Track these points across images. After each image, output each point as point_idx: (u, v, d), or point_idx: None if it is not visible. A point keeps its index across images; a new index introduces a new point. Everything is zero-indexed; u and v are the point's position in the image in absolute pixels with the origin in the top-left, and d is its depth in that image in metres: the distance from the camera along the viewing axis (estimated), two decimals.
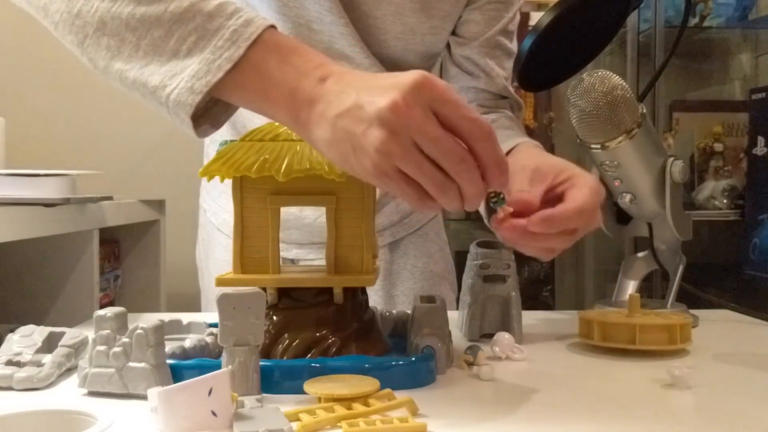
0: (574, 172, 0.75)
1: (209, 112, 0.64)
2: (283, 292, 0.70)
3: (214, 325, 0.80)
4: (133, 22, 0.60)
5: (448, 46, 1.02)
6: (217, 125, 0.65)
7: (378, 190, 0.72)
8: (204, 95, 0.59)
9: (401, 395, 0.58)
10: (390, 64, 0.97)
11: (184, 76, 0.59)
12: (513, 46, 1.03)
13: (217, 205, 1.11)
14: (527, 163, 0.78)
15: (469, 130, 0.54)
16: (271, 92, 0.59)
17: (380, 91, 0.54)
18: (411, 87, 0.53)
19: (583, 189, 0.72)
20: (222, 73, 0.58)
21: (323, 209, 0.69)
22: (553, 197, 0.73)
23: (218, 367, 0.61)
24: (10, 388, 0.65)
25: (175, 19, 0.60)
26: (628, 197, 0.91)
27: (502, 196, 0.62)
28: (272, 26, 0.61)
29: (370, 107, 0.54)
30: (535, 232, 0.68)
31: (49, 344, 0.71)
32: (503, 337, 0.76)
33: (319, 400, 0.58)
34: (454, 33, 1.00)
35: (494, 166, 0.55)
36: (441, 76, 1.06)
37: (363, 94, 0.55)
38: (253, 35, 0.59)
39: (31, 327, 0.74)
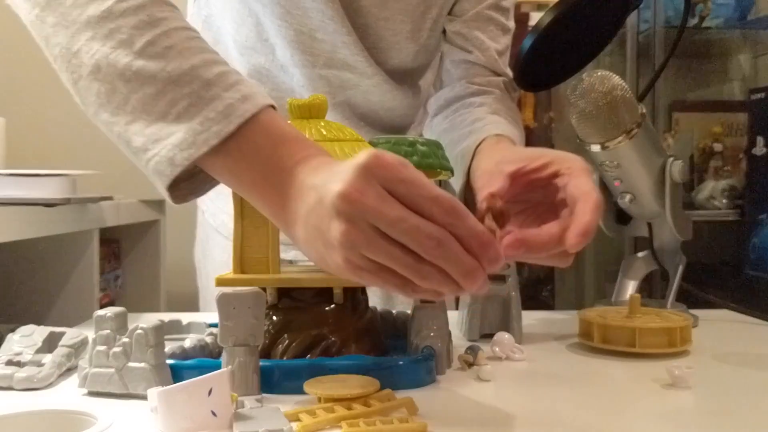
0: (552, 156, 0.65)
1: (195, 178, 0.61)
2: (283, 292, 0.70)
3: (214, 325, 0.79)
4: (128, 74, 0.57)
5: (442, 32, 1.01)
6: (199, 193, 0.62)
7: None
8: (183, 168, 0.56)
9: (401, 395, 0.58)
10: (393, 69, 0.97)
11: (167, 144, 0.56)
12: (509, 22, 1.00)
13: (215, 206, 1.11)
14: (486, 166, 0.76)
15: (429, 210, 0.48)
16: (255, 181, 0.56)
17: (334, 178, 0.50)
18: (360, 170, 0.49)
19: (581, 178, 0.62)
20: (207, 148, 0.55)
21: None
22: (534, 187, 0.64)
23: (218, 367, 0.61)
24: (10, 388, 0.65)
25: (172, 80, 0.57)
26: (628, 197, 0.91)
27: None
28: (271, 106, 0.58)
29: (326, 199, 0.50)
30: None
31: (49, 344, 0.71)
32: (503, 337, 0.76)
33: (319, 400, 0.58)
34: (448, 13, 0.99)
35: (473, 242, 0.49)
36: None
37: (323, 186, 0.51)
38: (247, 113, 0.55)
39: (31, 327, 0.74)
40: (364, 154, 0.49)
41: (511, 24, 1.00)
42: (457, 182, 0.84)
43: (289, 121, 0.60)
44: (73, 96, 0.62)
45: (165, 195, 0.59)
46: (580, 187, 0.61)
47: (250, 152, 0.56)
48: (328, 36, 0.91)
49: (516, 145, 0.84)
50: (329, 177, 0.51)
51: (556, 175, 0.63)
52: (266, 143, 0.56)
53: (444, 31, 1.00)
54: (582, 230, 0.58)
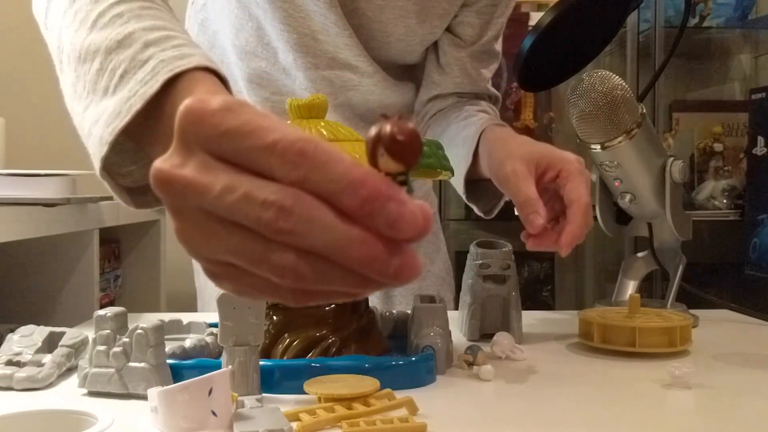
0: (550, 157, 0.77)
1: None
2: None
3: (214, 325, 0.79)
4: (83, 54, 0.50)
5: (435, 45, 1.01)
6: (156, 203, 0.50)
7: None
8: (111, 146, 0.46)
9: (401, 395, 0.58)
10: (390, 66, 0.97)
11: (102, 123, 0.46)
12: (499, 47, 1.04)
13: None
14: (498, 155, 0.80)
15: (268, 164, 0.32)
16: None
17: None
18: (176, 138, 0.34)
19: (574, 182, 0.75)
20: (130, 117, 0.44)
21: None
22: (542, 188, 0.77)
23: (218, 367, 0.61)
24: (10, 388, 0.65)
25: (112, 48, 0.48)
26: (628, 197, 0.91)
27: (403, 179, 0.33)
28: (210, 69, 0.46)
29: None
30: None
31: (49, 344, 0.71)
32: (503, 337, 0.76)
33: (319, 400, 0.58)
34: (450, 30, 1.00)
35: (344, 196, 0.31)
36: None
37: None
38: (176, 69, 0.44)
39: (31, 327, 0.74)
40: (180, 110, 0.34)
41: (500, 46, 1.04)
42: (458, 165, 0.89)
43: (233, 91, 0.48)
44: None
45: (110, 187, 0.49)
46: (572, 191, 0.74)
47: (162, 129, 0.44)
48: (330, 38, 0.92)
49: (511, 133, 0.88)
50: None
51: (557, 177, 0.76)
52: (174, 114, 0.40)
53: (438, 47, 1.01)
54: (570, 239, 0.73)
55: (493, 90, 1.05)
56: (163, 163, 0.34)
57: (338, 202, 0.31)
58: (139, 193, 0.51)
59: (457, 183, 0.91)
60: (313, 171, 0.31)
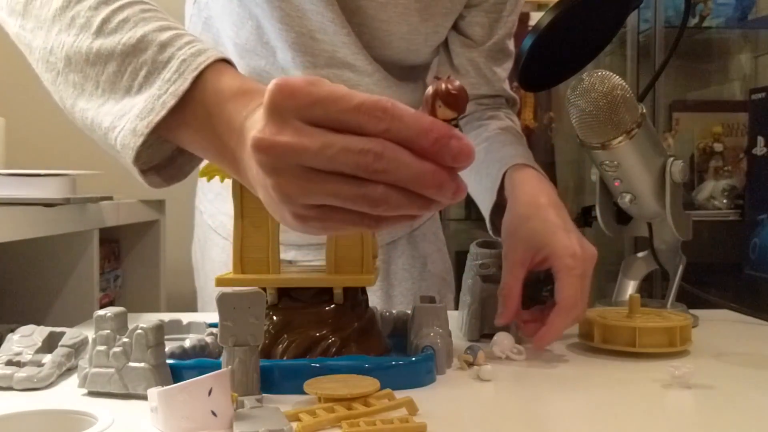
0: (548, 249, 0.76)
1: (175, 162, 0.58)
2: (283, 292, 0.70)
3: (214, 325, 0.79)
4: (91, 57, 0.55)
5: (446, 45, 1.01)
6: (181, 177, 0.59)
7: None
8: (147, 137, 0.52)
9: (401, 395, 0.58)
10: (392, 66, 0.97)
11: (131, 117, 0.53)
12: (512, 46, 1.04)
13: (213, 207, 1.11)
14: (512, 243, 0.79)
15: (357, 123, 0.42)
16: (216, 148, 0.52)
17: (249, 128, 0.46)
18: (268, 109, 0.43)
19: (562, 281, 0.75)
20: (165, 111, 0.51)
21: None
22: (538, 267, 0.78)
23: (218, 367, 0.61)
24: (10, 388, 0.65)
25: (128, 51, 0.54)
26: (628, 197, 0.91)
27: (456, 123, 0.44)
28: (225, 60, 0.54)
29: (252, 155, 0.45)
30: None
31: (49, 344, 0.71)
32: (503, 337, 0.76)
33: (319, 400, 0.58)
34: (459, 32, 1.00)
35: (420, 139, 0.41)
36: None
37: (247, 140, 0.46)
38: (201, 65, 0.52)
39: (31, 327, 0.74)
40: (268, 88, 0.43)
41: (513, 46, 1.04)
42: (483, 200, 0.91)
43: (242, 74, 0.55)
44: (53, 96, 0.60)
45: (137, 174, 0.56)
46: (558, 291, 0.76)
47: (204, 117, 0.51)
48: (328, 37, 0.91)
49: (529, 194, 0.84)
50: (249, 123, 0.47)
51: (551, 266, 0.76)
52: (216, 103, 0.51)
53: (449, 48, 1.01)
54: (541, 342, 0.75)
55: (510, 92, 1.05)
56: (261, 132, 0.43)
57: (414, 144, 0.41)
58: (150, 174, 0.58)
59: (485, 216, 0.93)
60: (393, 122, 0.41)
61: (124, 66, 0.54)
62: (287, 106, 0.43)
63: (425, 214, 0.45)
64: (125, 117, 0.53)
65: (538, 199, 0.80)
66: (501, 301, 0.78)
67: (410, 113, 0.41)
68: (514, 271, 0.78)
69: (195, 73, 0.51)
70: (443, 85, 0.43)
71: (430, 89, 0.43)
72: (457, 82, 0.43)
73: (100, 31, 0.55)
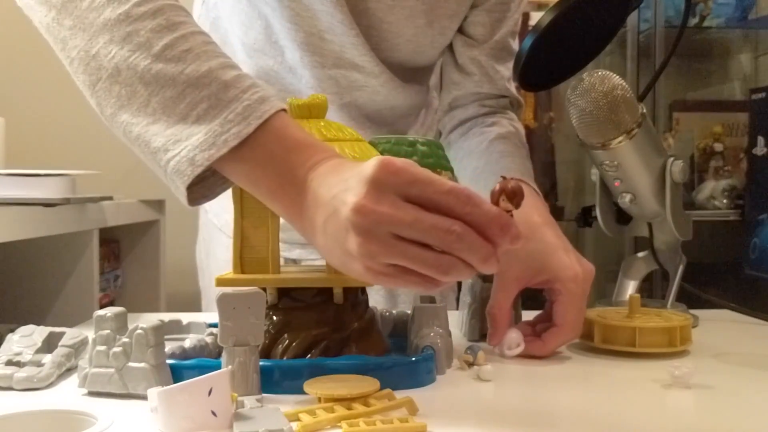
0: (549, 271, 0.76)
1: (206, 182, 0.62)
2: (283, 292, 0.70)
3: (214, 325, 0.79)
4: (147, 77, 0.58)
5: (450, 46, 1.02)
6: (211, 196, 0.63)
7: None
8: (203, 168, 0.57)
9: (401, 395, 0.58)
10: (399, 68, 0.97)
11: (188, 145, 0.57)
12: (516, 44, 1.04)
13: (218, 205, 1.11)
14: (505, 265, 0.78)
15: (446, 204, 0.50)
16: (271, 189, 0.57)
17: (346, 189, 0.52)
18: (371, 181, 0.50)
19: (563, 304, 0.75)
20: (226, 149, 0.56)
21: None
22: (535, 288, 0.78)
23: (218, 367, 0.61)
24: (10, 388, 0.65)
25: (191, 82, 0.58)
26: (628, 197, 0.91)
27: (511, 212, 0.55)
28: (284, 110, 0.59)
29: (342, 210, 0.52)
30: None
31: (49, 344, 0.71)
32: (512, 331, 0.76)
33: (319, 400, 0.58)
34: (462, 32, 1.00)
35: (491, 225, 0.51)
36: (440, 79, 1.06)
37: (335, 195, 0.53)
38: (265, 114, 0.57)
39: (31, 327, 0.74)
40: (372, 163, 0.51)
41: (517, 45, 1.03)
42: None
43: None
44: (88, 98, 0.62)
45: (181, 196, 0.59)
46: (556, 313, 0.75)
47: (264, 159, 0.57)
48: (336, 37, 0.92)
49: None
50: (341, 187, 0.53)
51: (549, 289, 0.77)
52: (279, 150, 0.57)
53: (453, 48, 1.01)
54: (540, 353, 0.75)
55: (515, 93, 1.05)
56: (363, 199, 0.50)
57: (485, 229, 0.50)
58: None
59: None
60: (474, 208, 0.50)
61: (183, 95, 0.58)
62: (389, 182, 0.50)
63: (463, 278, 0.54)
64: (181, 144, 0.57)
65: (531, 218, 0.79)
66: (490, 321, 0.77)
67: (486, 203, 0.51)
68: (508, 290, 0.77)
69: (260, 121, 0.56)
70: (509, 185, 0.54)
71: (497, 186, 0.54)
72: (518, 184, 0.54)
73: (160, 56, 0.58)
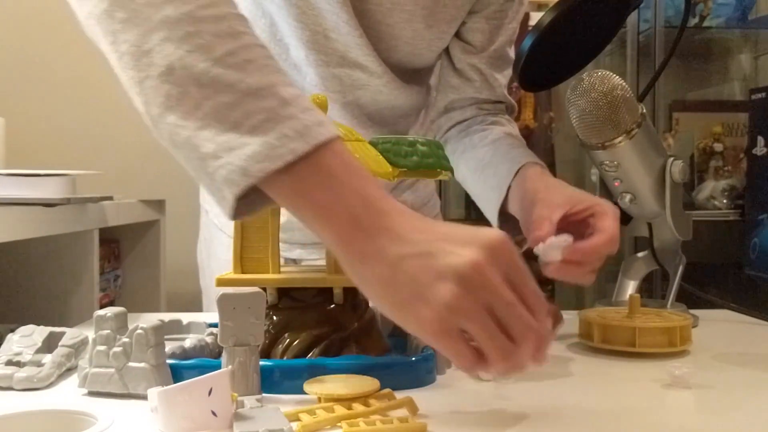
0: (591, 200, 0.78)
1: (247, 197, 0.59)
2: (283, 292, 0.70)
3: (214, 325, 0.80)
4: (204, 79, 0.57)
5: (447, 52, 1.02)
6: (249, 213, 0.61)
7: None
8: (256, 180, 0.55)
9: (401, 395, 0.58)
10: (398, 68, 0.98)
11: (241, 154, 0.55)
12: (512, 53, 1.04)
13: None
14: (545, 197, 0.81)
15: (533, 304, 0.53)
16: (327, 207, 0.55)
17: (459, 243, 0.52)
18: (494, 247, 0.52)
19: (608, 218, 0.76)
20: (282, 163, 0.54)
21: None
22: (570, 224, 0.77)
23: (218, 367, 0.61)
24: (10, 388, 0.65)
25: (250, 92, 0.56)
26: (628, 197, 0.91)
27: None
28: (341, 137, 0.58)
29: (445, 258, 0.51)
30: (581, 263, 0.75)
31: (49, 344, 0.71)
32: (552, 245, 0.75)
33: (319, 400, 0.58)
34: (460, 38, 1.00)
35: (547, 338, 0.54)
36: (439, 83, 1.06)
37: (437, 242, 0.52)
38: (322, 136, 0.55)
39: (31, 327, 0.74)
40: (490, 233, 0.53)
41: (513, 53, 1.04)
42: (489, 206, 0.93)
43: None
44: (134, 96, 0.60)
45: (227, 206, 0.57)
46: (602, 224, 0.75)
47: (323, 174, 0.55)
48: (341, 37, 0.92)
49: (552, 179, 0.87)
50: (446, 234, 0.53)
51: (591, 215, 0.77)
52: (341, 169, 0.56)
53: (450, 54, 1.01)
54: (580, 255, 0.74)
55: (510, 99, 1.06)
56: (482, 260, 0.51)
57: (542, 320, 0.53)
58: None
59: (489, 214, 0.93)
60: (541, 315, 0.53)
61: (240, 103, 0.56)
62: (503, 258, 0.52)
63: (502, 373, 0.60)
64: (234, 153, 0.55)
65: (554, 187, 0.83)
66: (534, 227, 0.77)
67: (547, 321, 0.54)
68: (553, 210, 0.78)
69: (316, 141, 0.55)
70: (552, 308, 0.58)
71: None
72: (556, 307, 0.60)
73: (221, 61, 0.57)
